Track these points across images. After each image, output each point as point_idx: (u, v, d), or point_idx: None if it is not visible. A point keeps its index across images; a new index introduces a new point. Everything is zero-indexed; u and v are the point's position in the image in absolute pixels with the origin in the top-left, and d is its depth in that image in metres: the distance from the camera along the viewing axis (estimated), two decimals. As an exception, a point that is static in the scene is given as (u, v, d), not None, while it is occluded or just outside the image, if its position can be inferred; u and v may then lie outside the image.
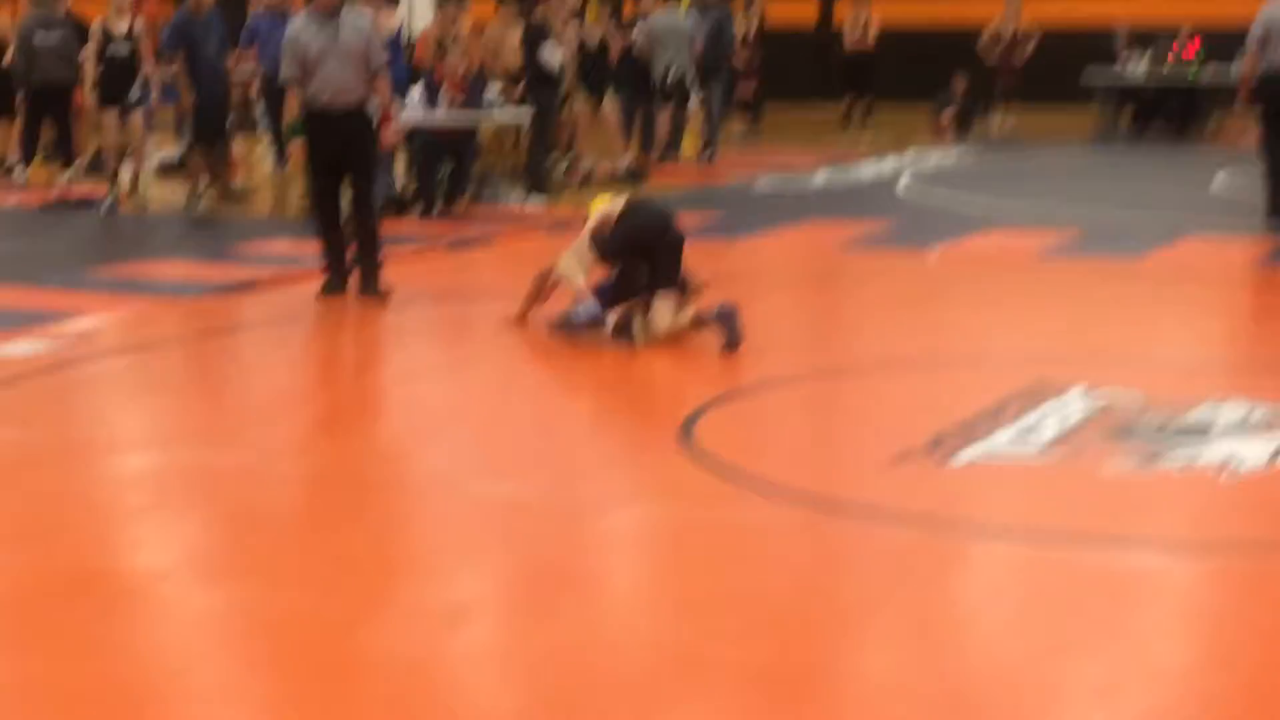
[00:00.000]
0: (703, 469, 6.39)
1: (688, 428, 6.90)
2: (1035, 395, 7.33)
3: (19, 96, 15.14)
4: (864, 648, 4.73)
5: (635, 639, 4.77)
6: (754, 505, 5.99)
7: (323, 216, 10.25)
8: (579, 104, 16.03)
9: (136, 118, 14.24)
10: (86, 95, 14.26)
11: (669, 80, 17.22)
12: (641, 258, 8.79)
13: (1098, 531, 5.65)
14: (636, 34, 17.04)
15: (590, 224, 8.94)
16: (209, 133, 14.12)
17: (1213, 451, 6.45)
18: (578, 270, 8.81)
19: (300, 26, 10.10)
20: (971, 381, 7.90)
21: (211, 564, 5.48)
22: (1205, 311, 9.92)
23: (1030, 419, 6.97)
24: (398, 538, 5.76)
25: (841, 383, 8.03)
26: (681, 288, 8.82)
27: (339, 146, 10.03)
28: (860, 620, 4.90)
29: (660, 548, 5.68)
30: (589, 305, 8.68)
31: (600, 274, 8.89)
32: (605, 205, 9.03)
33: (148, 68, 14.12)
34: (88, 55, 14.11)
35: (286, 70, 10.07)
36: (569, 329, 8.74)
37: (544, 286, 9.10)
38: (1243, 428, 6.79)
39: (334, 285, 10.09)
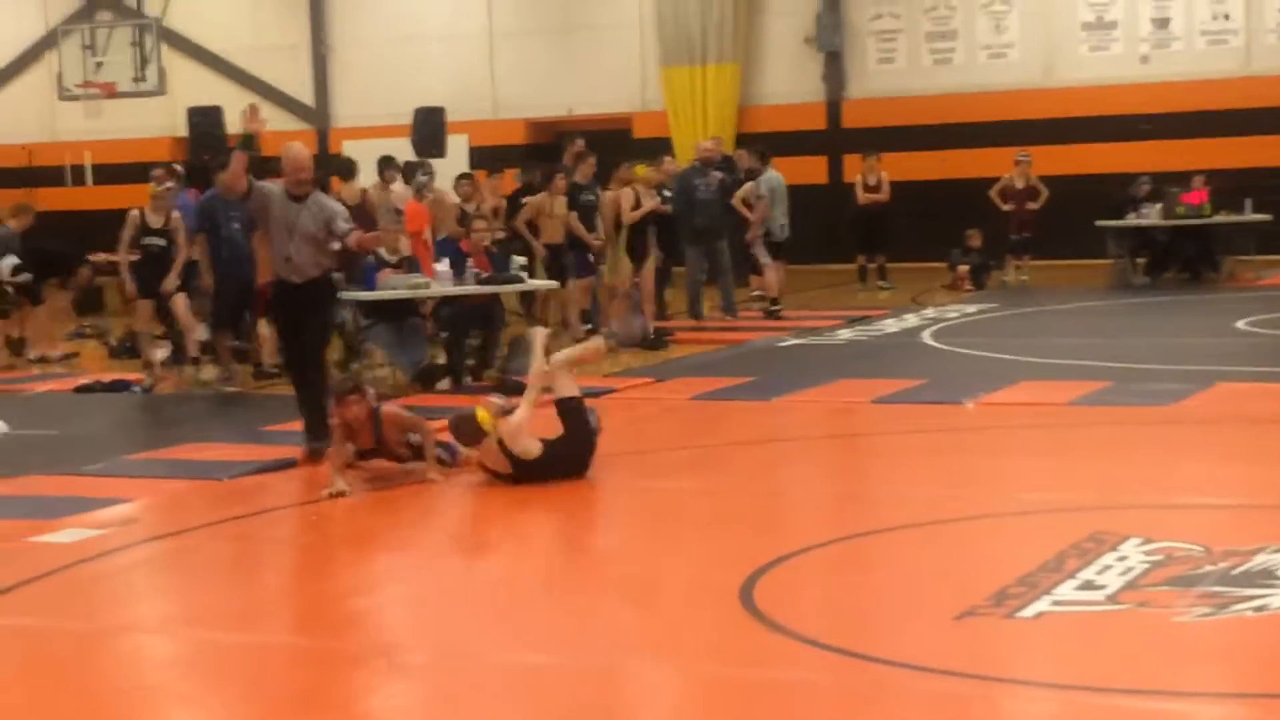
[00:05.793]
0: (768, 633, 6.33)
1: (747, 592, 6.85)
2: (1091, 547, 7.27)
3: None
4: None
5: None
6: (826, 669, 5.93)
7: (293, 378, 10.86)
8: (623, 269, 16.27)
9: (180, 302, 14.37)
10: (125, 283, 14.44)
11: (783, 236, 18.68)
12: None
13: (1181, 682, 5.60)
14: (759, 190, 18.48)
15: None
16: (227, 315, 14.21)
17: (1283, 597, 6.40)
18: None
19: (277, 193, 10.55)
20: (1024, 536, 7.86)
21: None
22: (1248, 456, 9.86)
23: (1091, 571, 6.91)
24: (437, 711, 5.74)
25: (894, 541, 7.97)
26: None
27: (296, 312, 10.63)
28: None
29: (726, 713, 5.59)
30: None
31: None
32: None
33: (183, 255, 14.27)
34: (121, 243, 14.32)
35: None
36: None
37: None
38: (1309, 572, 6.74)
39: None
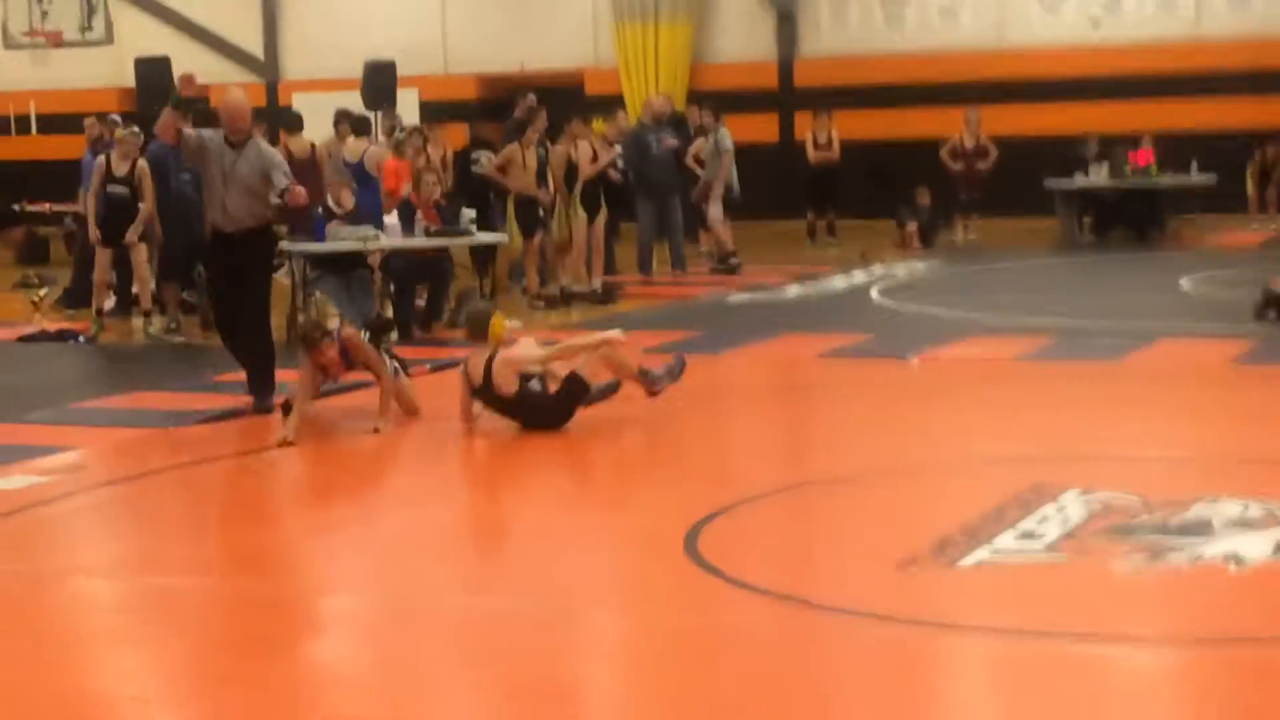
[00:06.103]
0: (712, 580, 6.40)
1: (692, 540, 6.92)
2: (1032, 498, 7.37)
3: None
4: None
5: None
6: (769, 615, 6.01)
7: (222, 336, 10.66)
8: (578, 224, 16.21)
9: (140, 252, 14.27)
10: (90, 231, 14.37)
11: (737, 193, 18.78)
12: None
13: (1117, 628, 5.71)
14: (724, 145, 18.52)
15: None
16: (177, 266, 14.15)
17: (1217, 547, 6.51)
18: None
19: (215, 139, 10.35)
20: (966, 486, 7.95)
21: (189, 686, 5.56)
22: (1187, 411, 9.99)
23: (1031, 521, 7.01)
24: (386, 653, 5.79)
25: (838, 491, 8.05)
26: None
27: (233, 263, 10.37)
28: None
29: (671, 658, 5.67)
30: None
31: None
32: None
33: (146, 206, 14.17)
34: (90, 192, 14.23)
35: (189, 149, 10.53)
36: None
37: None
38: (1242, 523, 6.85)
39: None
